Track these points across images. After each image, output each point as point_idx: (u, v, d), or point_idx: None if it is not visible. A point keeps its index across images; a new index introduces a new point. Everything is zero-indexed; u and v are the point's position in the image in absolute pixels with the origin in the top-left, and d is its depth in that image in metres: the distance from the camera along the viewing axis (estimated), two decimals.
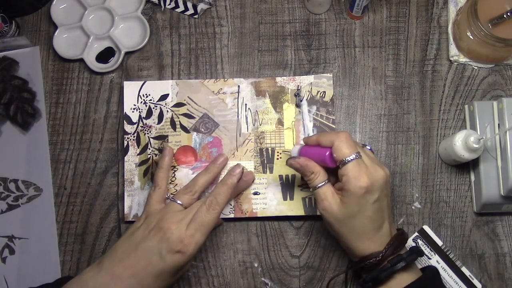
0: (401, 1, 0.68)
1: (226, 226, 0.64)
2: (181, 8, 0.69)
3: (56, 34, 0.68)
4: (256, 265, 0.63)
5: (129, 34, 0.69)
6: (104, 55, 0.68)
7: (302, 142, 0.58)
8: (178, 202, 0.56)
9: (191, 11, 0.69)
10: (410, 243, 0.62)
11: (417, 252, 0.53)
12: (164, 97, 0.66)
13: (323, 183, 0.53)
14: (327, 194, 0.52)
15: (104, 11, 0.69)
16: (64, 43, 0.69)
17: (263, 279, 0.63)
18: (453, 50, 0.66)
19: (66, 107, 0.68)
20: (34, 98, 0.68)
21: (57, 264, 0.64)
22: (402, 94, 0.66)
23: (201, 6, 0.69)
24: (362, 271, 0.54)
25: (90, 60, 0.68)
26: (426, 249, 0.62)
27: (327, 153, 0.52)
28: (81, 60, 0.68)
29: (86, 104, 0.68)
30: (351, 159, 0.50)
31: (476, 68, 0.66)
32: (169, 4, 0.69)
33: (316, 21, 0.69)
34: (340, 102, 0.67)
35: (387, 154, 0.65)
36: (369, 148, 0.56)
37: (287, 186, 0.63)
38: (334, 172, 0.54)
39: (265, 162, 0.64)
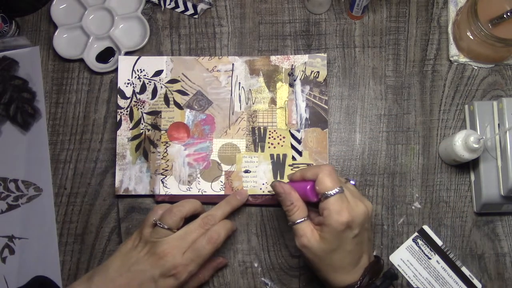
0: (401, 1, 0.68)
1: None
2: (181, 8, 0.69)
3: (56, 34, 0.68)
4: (256, 265, 0.63)
5: (129, 34, 0.69)
6: (104, 55, 0.68)
7: (294, 122, 0.60)
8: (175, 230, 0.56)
9: (191, 11, 0.69)
10: (410, 243, 0.62)
11: (390, 277, 0.52)
12: (158, 72, 0.66)
13: (302, 219, 0.52)
14: (306, 231, 0.51)
15: (104, 11, 0.69)
16: (64, 43, 0.69)
17: (263, 279, 0.63)
18: (453, 50, 0.66)
19: (66, 107, 0.68)
20: (34, 98, 0.68)
21: (57, 264, 0.64)
22: (402, 94, 0.66)
23: (201, 6, 0.69)
24: None
25: (90, 60, 0.68)
26: (426, 249, 0.62)
27: (309, 186, 0.52)
28: (81, 60, 0.68)
29: (86, 104, 0.68)
30: (334, 193, 0.50)
31: (476, 68, 0.66)
32: (169, 4, 0.69)
33: (316, 21, 0.68)
34: (340, 102, 0.67)
35: (387, 154, 0.65)
36: (353, 183, 0.55)
37: (278, 165, 0.63)
38: (313, 207, 0.54)
39: (257, 141, 0.64)
